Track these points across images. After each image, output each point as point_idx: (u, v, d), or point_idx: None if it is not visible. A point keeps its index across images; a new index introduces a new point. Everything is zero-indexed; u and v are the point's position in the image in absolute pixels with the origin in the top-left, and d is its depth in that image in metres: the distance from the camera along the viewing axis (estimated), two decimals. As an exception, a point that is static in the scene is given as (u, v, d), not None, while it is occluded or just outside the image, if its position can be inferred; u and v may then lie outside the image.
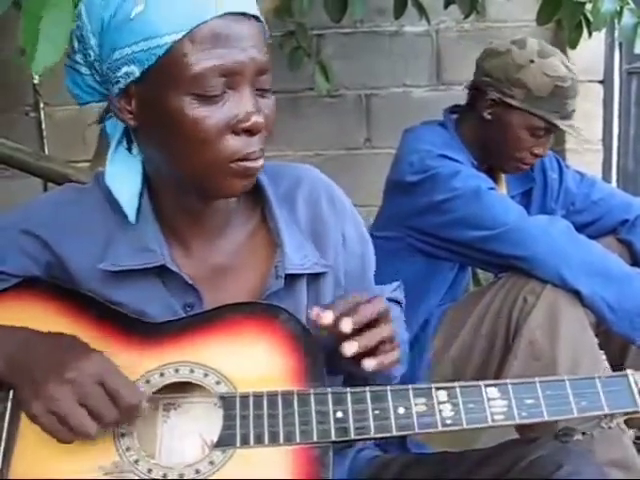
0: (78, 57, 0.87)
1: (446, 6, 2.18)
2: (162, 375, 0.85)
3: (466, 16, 2.17)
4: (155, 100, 0.83)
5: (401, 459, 1.05)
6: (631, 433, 0.93)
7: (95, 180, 0.98)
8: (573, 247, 1.47)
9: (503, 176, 1.80)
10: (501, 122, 1.63)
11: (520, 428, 1.29)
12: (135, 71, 0.82)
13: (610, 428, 0.87)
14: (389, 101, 2.73)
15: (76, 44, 0.87)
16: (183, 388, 0.86)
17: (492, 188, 1.58)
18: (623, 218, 1.77)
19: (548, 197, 1.81)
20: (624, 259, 1.60)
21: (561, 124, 1.60)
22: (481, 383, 0.85)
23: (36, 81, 2.65)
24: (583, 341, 1.43)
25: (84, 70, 0.88)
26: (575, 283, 1.43)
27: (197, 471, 0.79)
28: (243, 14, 0.81)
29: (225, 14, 0.80)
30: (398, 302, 1.11)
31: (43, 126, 2.73)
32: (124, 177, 0.93)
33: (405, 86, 2.73)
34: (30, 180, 2.24)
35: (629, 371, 0.89)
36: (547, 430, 0.99)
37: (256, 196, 0.97)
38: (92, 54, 0.85)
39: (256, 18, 0.84)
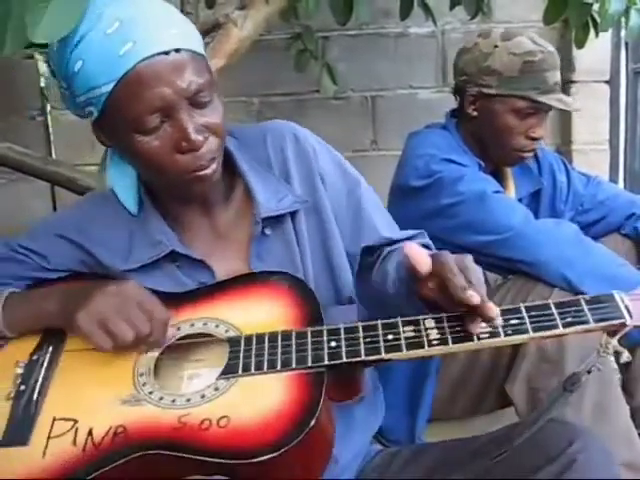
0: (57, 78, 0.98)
1: (452, 7, 2.17)
2: (179, 329, 1.00)
3: (472, 17, 2.17)
4: (114, 136, 0.98)
5: (407, 449, 1.11)
6: (627, 354, 0.96)
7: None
8: (579, 251, 1.47)
9: (510, 177, 1.80)
10: (487, 114, 1.63)
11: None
12: (94, 112, 0.95)
13: (609, 354, 0.90)
14: (395, 103, 2.73)
15: (53, 67, 0.97)
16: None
17: (498, 191, 1.57)
18: (629, 213, 1.77)
19: (557, 199, 1.81)
20: (631, 258, 1.60)
21: (545, 99, 1.59)
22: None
23: (43, 85, 2.66)
24: (591, 345, 1.42)
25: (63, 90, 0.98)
26: (581, 287, 1.42)
27: (203, 396, 0.91)
28: (164, 52, 0.90)
29: (147, 57, 0.89)
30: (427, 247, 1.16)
31: (50, 130, 2.74)
32: (122, 174, 1.07)
33: (411, 88, 2.73)
34: (37, 184, 2.25)
35: (615, 291, 0.92)
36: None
37: (231, 163, 1.07)
38: (63, 85, 0.96)
39: (177, 50, 0.91)
